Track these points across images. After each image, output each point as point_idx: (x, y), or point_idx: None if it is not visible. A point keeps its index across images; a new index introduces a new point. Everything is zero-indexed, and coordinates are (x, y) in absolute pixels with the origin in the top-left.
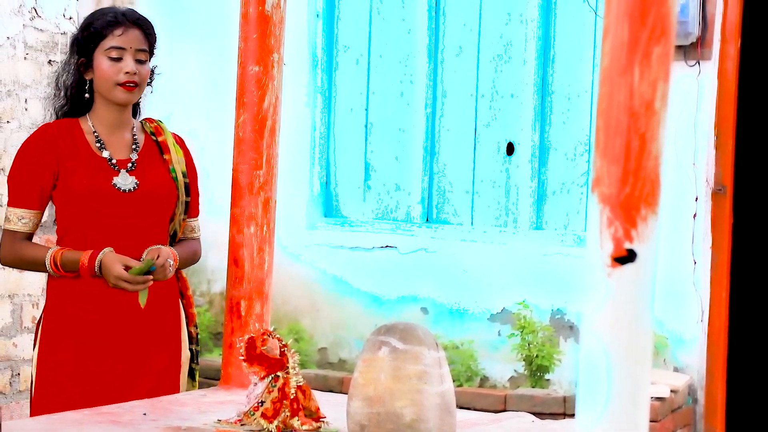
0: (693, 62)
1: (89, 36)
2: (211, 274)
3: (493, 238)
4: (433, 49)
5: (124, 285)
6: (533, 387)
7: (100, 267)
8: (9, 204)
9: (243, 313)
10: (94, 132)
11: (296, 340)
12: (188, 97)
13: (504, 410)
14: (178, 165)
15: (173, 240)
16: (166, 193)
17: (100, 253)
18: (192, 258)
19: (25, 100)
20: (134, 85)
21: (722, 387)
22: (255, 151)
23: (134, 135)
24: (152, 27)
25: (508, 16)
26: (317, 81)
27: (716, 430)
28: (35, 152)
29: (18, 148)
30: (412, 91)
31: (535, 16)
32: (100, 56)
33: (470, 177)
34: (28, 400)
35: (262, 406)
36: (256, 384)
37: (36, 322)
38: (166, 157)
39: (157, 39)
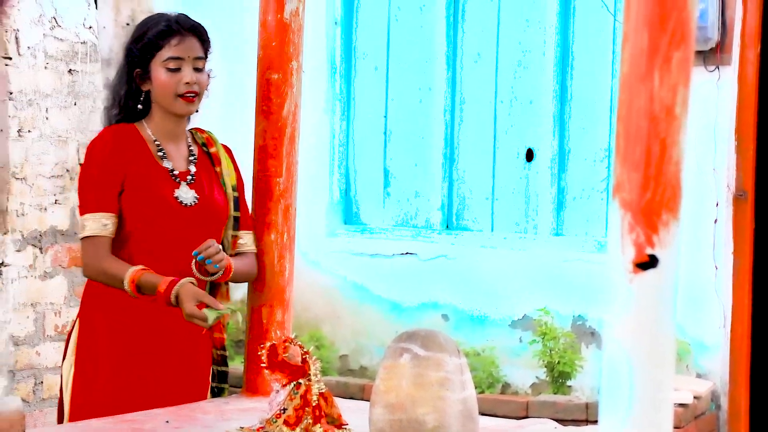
0: (713, 67)
1: (144, 47)
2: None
3: (514, 245)
4: (452, 56)
5: (196, 321)
6: (555, 393)
7: (176, 298)
8: (87, 210)
9: (264, 321)
10: (155, 141)
11: (317, 348)
12: (207, 104)
13: (526, 417)
14: (228, 178)
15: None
16: (221, 207)
17: (177, 285)
18: (249, 273)
19: (46, 110)
20: (194, 95)
21: (745, 393)
22: (275, 159)
23: (189, 145)
24: (206, 32)
25: (526, 22)
26: (336, 88)
27: None
28: (105, 155)
29: (84, 157)
30: (431, 97)
31: (553, 22)
32: (157, 67)
33: (490, 183)
34: (53, 408)
35: (284, 413)
36: (278, 391)
37: (67, 332)
38: (217, 169)
39: (211, 43)
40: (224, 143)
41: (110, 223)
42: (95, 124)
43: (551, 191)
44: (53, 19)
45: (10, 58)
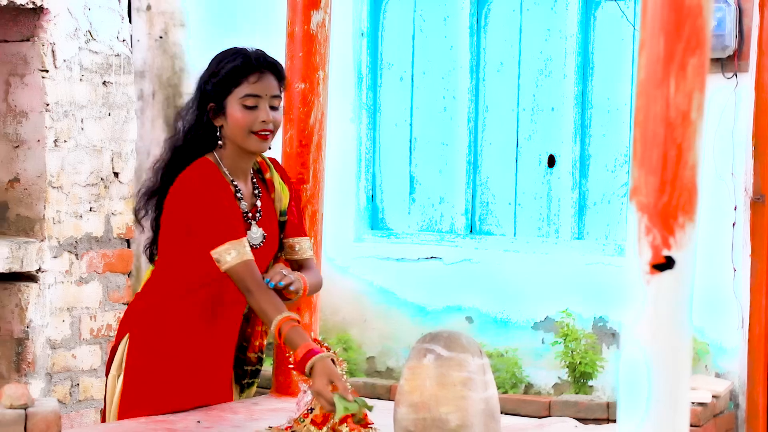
0: (730, 74)
1: (221, 82)
2: None
3: (536, 249)
4: (475, 65)
5: (321, 401)
6: (577, 393)
7: (311, 369)
8: (224, 240)
9: None
10: (232, 180)
11: (345, 350)
12: None
13: (548, 416)
14: (280, 203)
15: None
16: (278, 240)
17: (316, 357)
18: (318, 282)
19: (81, 120)
20: (269, 133)
21: (764, 392)
22: (302, 166)
23: (252, 178)
24: (283, 69)
25: (547, 31)
26: (363, 97)
27: None
28: (215, 187)
29: (192, 194)
30: (455, 105)
31: (574, 31)
32: (233, 104)
33: (512, 189)
34: (90, 410)
35: (311, 413)
36: (305, 391)
37: (112, 344)
38: (272, 195)
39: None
40: (270, 156)
41: (248, 246)
42: (129, 133)
43: (572, 196)
44: (88, 33)
45: (47, 71)
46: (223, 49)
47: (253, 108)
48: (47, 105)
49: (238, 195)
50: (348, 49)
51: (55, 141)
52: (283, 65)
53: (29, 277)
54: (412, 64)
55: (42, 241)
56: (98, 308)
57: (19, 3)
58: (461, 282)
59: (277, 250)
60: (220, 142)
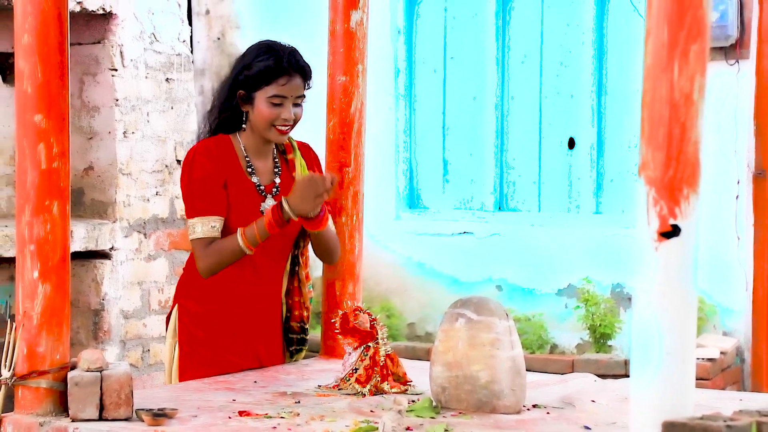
0: (733, 61)
1: (252, 77)
2: (313, 261)
3: (558, 223)
4: (501, 58)
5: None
6: (597, 352)
7: (286, 204)
8: (195, 214)
9: (337, 293)
10: (246, 156)
11: (388, 317)
12: None
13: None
14: None
15: (297, 255)
16: None
17: (282, 200)
18: (335, 239)
19: (147, 114)
20: (288, 127)
21: (767, 347)
22: (344, 151)
23: (274, 157)
24: (311, 71)
25: (567, 26)
26: (400, 89)
27: (762, 386)
28: (206, 164)
29: (184, 167)
30: (484, 95)
31: (590, 24)
32: (261, 99)
33: (536, 169)
34: (159, 372)
35: (356, 372)
36: (350, 354)
37: (167, 314)
38: (293, 175)
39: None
40: (302, 140)
41: (218, 225)
42: (190, 124)
43: (591, 174)
44: (152, 35)
45: (116, 70)
46: (261, 41)
47: (278, 105)
48: (117, 100)
49: (249, 170)
50: (386, 45)
51: (124, 132)
52: (326, 60)
53: (103, 255)
54: (444, 58)
55: (114, 222)
56: (165, 282)
57: (90, 9)
58: (491, 254)
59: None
60: (244, 125)
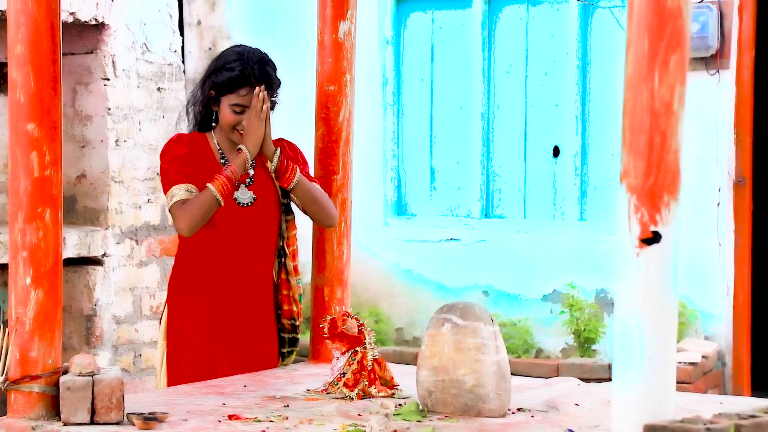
0: (713, 71)
1: (218, 85)
2: (301, 267)
3: (544, 229)
4: (487, 68)
5: (258, 117)
6: (582, 357)
7: (245, 150)
8: (173, 183)
9: (326, 298)
10: (219, 150)
11: (376, 322)
12: (274, 113)
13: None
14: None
15: (279, 237)
16: (276, 204)
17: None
18: (319, 192)
19: (139, 122)
20: None
21: (747, 352)
22: (332, 159)
23: None
24: (276, 82)
25: (551, 37)
26: (388, 98)
27: (743, 390)
28: (180, 147)
29: (161, 153)
30: (470, 104)
31: (574, 35)
32: (225, 104)
33: (522, 177)
34: (151, 377)
35: (344, 377)
36: (338, 358)
37: (159, 311)
38: (266, 164)
39: (281, 84)
40: (282, 137)
41: (195, 191)
42: (181, 130)
43: (575, 182)
44: (144, 45)
45: (108, 79)
46: (233, 47)
47: (240, 113)
48: (109, 109)
49: (222, 161)
50: (374, 55)
51: (116, 141)
52: (315, 70)
53: (96, 261)
54: (431, 68)
55: (106, 229)
56: (156, 288)
57: (83, 20)
58: (478, 260)
59: (281, 213)
60: (213, 124)
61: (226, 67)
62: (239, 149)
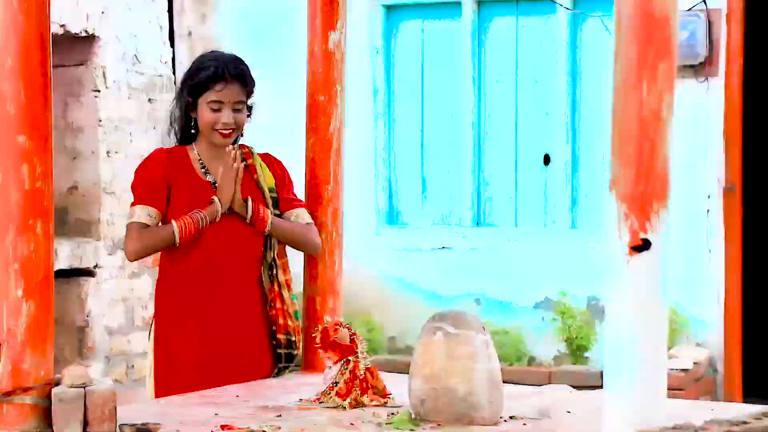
0: (702, 79)
1: (194, 85)
2: (293, 276)
3: (535, 238)
4: (477, 77)
5: (230, 176)
6: (574, 364)
7: (218, 201)
8: (137, 203)
9: (318, 308)
10: (200, 159)
11: (368, 331)
12: (265, 124)
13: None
14: (265, 183)
15: (269, 249)
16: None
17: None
18: (298, 233)
19: (130, 134)
20: (230, 131)
21: (738, 358)
22: (323, 169)
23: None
24: (250, 79)
25: (540, 45)
26: (379, 108)
27: (735, 396)
28: (155, 167)
29: (137, 167)
30: (461, 113)
31: (564, 44)
32: (202, 105)
33: (513, 185)
34: (144, 387)
35: (336, 386)
36: (330, 367)
37: (149, 321)
38: (254, 177)
39: (255, 84)
40: (270, 153)
41: (155, 216)
42: (172, 144)
43: (566, 190)
44: (134, 57)
45: (99, 91)
46: (207, 52)
47: (217, 111)
48: (100, 121)
49: (203, 170)
50: (365, 64)
51: (108, 152)
52: (305, 80)
53: (88, 273)
54: (421, 77)
55: (98, 240)
56: (149, 298)
57: (74, 32)
58: (469, 269)
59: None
60: (193, 131)
61: (200, 68)
62: (212, 200)
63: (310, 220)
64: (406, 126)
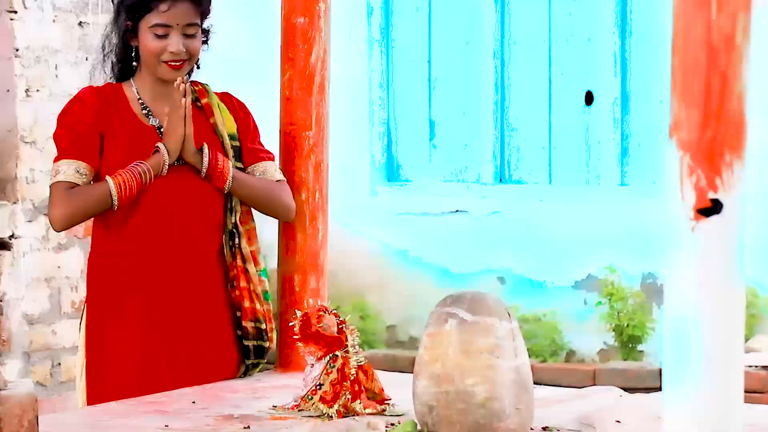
0: None
1: (133, 6)
2: (265, 248)
3: (574, 198)
4: None
5: (178, 115)
6: (625, 360)
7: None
8: (61, 157)
9: (297, 289)
10: (139, 99)
11: (362, 318)
12: (227, 54)
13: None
14: (224, 127)
15: (229, 212)
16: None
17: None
18: (265, 189)
19: (56, 67)
20: (181, 62)
21: None
22: (303, 111)
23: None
24: None
25: None
26: (374, 32)
27: None
28: (83, 111)
29: (60, 111)
30: (479, 37)
31: None
32: (144, 30)
33: (546, 131)
34: (73, 392)
35: (320, 389)
36: (312, 365)
37: (80, 307)
38: (210, 120)
39: (212, 1)
40: (230, 92)
41: (86, 172)
42: (107, 80)
43: (614, 137)
44: None
45: (15, 12)
46: None
47: (164, 36)
48: (16, 50)
49: (144, 113)
50: None
51: (27, 90)
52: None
53: (1, 245)
54: None
55: (15, 203)
56: (80, 278)
57: None
58: (490, 238)
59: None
60: (135, 63)
61: None
62: (156, 148)
63: (282, 177)
64: (408, 55)
